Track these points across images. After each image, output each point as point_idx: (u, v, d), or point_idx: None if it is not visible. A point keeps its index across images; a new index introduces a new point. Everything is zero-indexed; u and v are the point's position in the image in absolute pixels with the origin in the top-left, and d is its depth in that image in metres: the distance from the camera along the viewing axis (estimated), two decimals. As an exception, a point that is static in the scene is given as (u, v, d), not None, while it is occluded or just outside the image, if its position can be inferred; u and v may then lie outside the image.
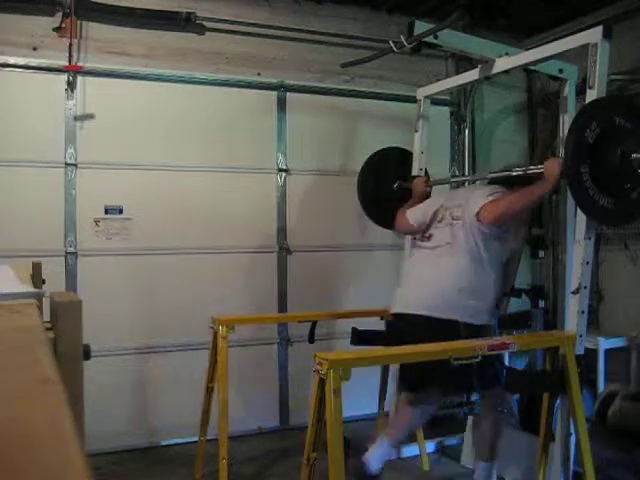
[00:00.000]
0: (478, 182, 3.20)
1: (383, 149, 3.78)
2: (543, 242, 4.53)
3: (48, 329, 0.96)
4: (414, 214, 3.09)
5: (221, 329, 2.87)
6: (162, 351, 3.71)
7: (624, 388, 3.75)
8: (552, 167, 2.48)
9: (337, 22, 4.16)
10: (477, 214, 2.65)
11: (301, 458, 2.15)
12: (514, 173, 2.80)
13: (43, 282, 1.72)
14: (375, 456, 2.61)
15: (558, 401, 2.49)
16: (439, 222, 2.86)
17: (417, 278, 2.81)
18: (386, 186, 3.63)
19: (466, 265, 2.66)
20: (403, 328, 2.79)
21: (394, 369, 3.43)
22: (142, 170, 3.69)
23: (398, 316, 2.83)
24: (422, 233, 2.94)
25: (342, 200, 4.06)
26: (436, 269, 2.74)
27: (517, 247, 3.04)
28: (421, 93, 3.57)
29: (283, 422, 4.01)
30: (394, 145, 3.81)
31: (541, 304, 4.32)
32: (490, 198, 2.66)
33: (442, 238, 2.78)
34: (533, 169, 2.73)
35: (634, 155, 2.30)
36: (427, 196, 3.32)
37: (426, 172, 3.53)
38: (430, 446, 3.42)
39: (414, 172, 3.50)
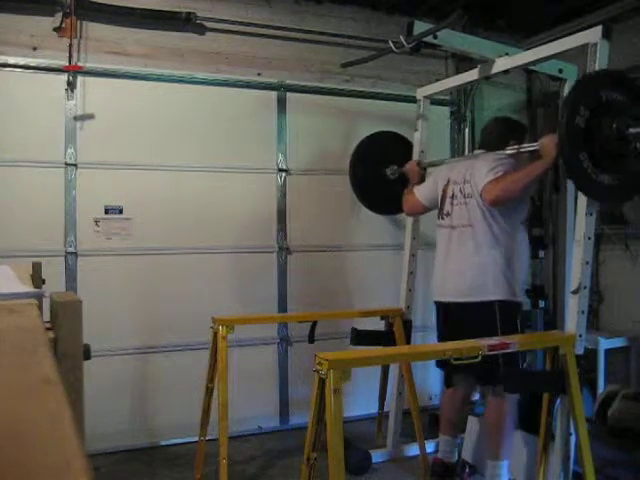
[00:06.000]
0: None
1: (371, 135, 3.74)
2: (543, 242, 4.53)
3: (48, 329, 0.96)
4: (422, 192, 3.14)
5: (221, 329, 2.87)
6: (162, 351, 3.71)
7: (624, 388, 3.75)
8: (548, 144, 2.47)
9: (337, 22, 4.16)
10: (480, 194, 2.70)
11: (301, 458, 2.15)
12: (508, 152, 2.78)
13: (43, 282, 1.72)
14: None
15: (558, 401, 2.49)
16: (452, 198, 2.90)
17: (448, 264, 2.88)
18: (379, 172, 3.60)
19: (491, 245, 2.72)
20: (446, 317, 2.92)
21: (394, 369, 3.43)
22: (142, 170, 3.69)
23: (440, 304, 2.94)
24: (439, 211, 2.98)
25: (342, 200, 4.06)
26: (463, 253, 2.80)
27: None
28: (421, 93, 3.57)
29: (283, 422, 4.01)
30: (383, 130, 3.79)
31: (541, 304, 4.32)
32: (491, 175, 2.65)
33: (461, 218, 2.83)
34: (527, 146, 2.71)
35: (631, 130, 2.26)
36: (423, 178, 3.32)
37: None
38: (430, 446, 3.42)
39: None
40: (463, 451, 3.28)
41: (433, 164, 3.29)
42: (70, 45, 3.45)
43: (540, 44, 2.95)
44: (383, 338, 3.27)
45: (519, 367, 2.74)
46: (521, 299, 2.82)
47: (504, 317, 2.67)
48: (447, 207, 2.92)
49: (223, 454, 2.85)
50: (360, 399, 3.84)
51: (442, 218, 2.95)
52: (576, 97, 2.31)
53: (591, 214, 2.44)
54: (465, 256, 2.78)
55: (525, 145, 2.75)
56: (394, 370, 3.43)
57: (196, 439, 3.09)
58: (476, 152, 3.01)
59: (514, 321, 2.71)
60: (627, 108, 2.34)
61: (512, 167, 2.70)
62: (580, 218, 2.46)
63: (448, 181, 2.94)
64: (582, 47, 2.52)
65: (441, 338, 2.96)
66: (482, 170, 2.71)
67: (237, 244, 3.89)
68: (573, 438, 2.46)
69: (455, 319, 2.82)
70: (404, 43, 2.79)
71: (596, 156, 2.28)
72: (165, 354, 3.72)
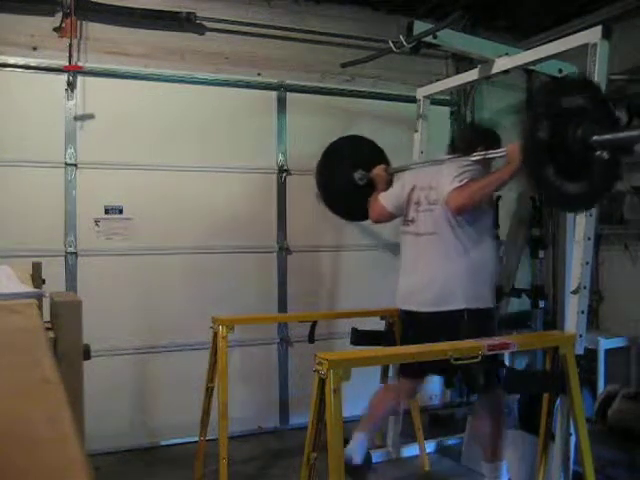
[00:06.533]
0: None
1: (340, 139, 3.56)
2: (543, 242, 4.53)
3: (48, 329, 0.96)
4: (388, 198, 3.07)
5: (221, 329, 2.87)
6: (162, 351, 3.71)
7: (624, 388, 3.75)
8: (514, 150, 2.41)
9: (337, 22, 4.16)
10: (445, 201, 2.64)
11: (301, 458, 2.15)
12: (473, 158, 2.74)
13: (43, 282, 1.72)
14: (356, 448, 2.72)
15: (558, 401, 2.49)
16: (417, 204, 2.84)
17: (414, 272, 2.82)
18: (347, 177, 3.45)
19: (457, 252, 2.67)
20: (413, 325, 2.85)
21: (394, 369, 3.43)
22: (142, 170, 3.69)
23: (407, 313, 2.88)
24: (404, 217, 2.94)
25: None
26: (430, 262, 2.74)
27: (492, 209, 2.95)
28: (421, 93, 3.57)
29: (283, 422, 4.01)
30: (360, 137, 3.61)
31: (541, 304, 4.32)
32: (456, 182, 2.60)
33: (426, 226, 2.77)
34: (494, 152, 2.68)
35: (595, 137, 2.22)
36: (390, 183, 3.27)
37: (387, 160, 3.45)
38: (430, 446, 3.42)
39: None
40: (463, 452, 3.28)
41: (401, 170, 3.23)
42: (70, 45, 3.45)
43: (540, 44, 2.95)
44: (383, 338, 3.27)
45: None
46: (492, 305, 2.75)
47: (474, 325, 2.60)
48: (412, 214, 2.86)
49: (223, 454, 2.86)
50: (360, 399, 3.83)
51: (407, 225, 2.90)
52: (536, 109, 2.25)
53: (590, 215, 2.44)
54: (432, 264, 2.72)
55: (492, 151, 2.70)
56: (394, 370, 3.43)
57: (196, 439, 3.09)
58: (443, 157, 2.95)
59: (484, 329, 2.63)
60: (590, 113, 2.29)
61: (479, 174, 2.64)
62: (580, 218, 2.46)
63: (414, 187, 2.88)
64: (582, 47, 2.52)
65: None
66: (448, 177, 2.65)
67: (237, 244, 3.89)
68: (573, 438, 2.46)
69: (423, 328, 2.74)
70: (404, 43, 2.78)
71: (562, 167, 2.21)
72: (165, 354, 3.72)
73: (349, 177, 3.44)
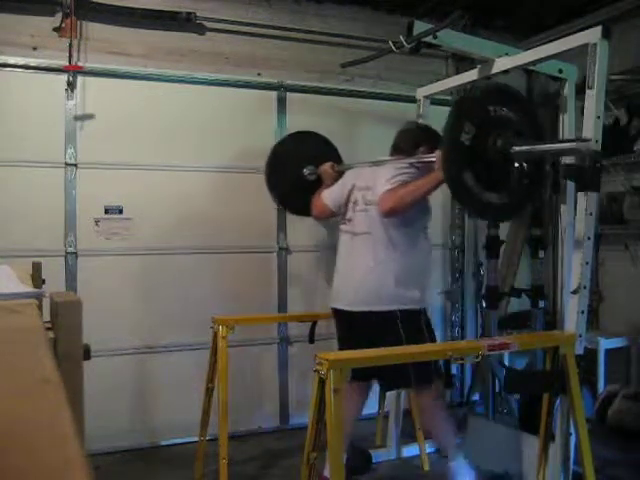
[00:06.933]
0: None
1: (291, 134, 3.56)
2: (543, 242, 4.52)
3: (48, 329, 0.96)
4: (330, 195, 3.07)
5: (221, 329, 2.87)
6: (162, 351, 3.71)
7: (624, 388, 3.75)
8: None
9: (337, 22, 4.16)
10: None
11: (301, 458, 2.15)
12: (410, 161, 2.74)
13: (43, 282, 1.72)
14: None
15: (558, 401, 2.49)
16: (355, 204, 2.85)
17: (347, 271, 2.82)
18: (297, 172, 3.42)
19: (390, 253, 2.67)
20: (345, 325, 2.84)
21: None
22: (142, 170, 3.69)
23: (338, 311, 2.85)
24: (342, 216, 2.94)
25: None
26: (362, 261, 2.74)
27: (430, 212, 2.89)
28: (421, 93, 3.58)
29: (283, 422, 4.01)
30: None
31: (541, 304, 4.32)
32: (388, 185, 2.60)
33: (361, 225, 2.78)
34: (427, 157, 2.67)
35: (515, 148, 2.22)
36: (338, 179, 3.21)
37: (339, 156, 3.45)
38: (430, 446, 3.42)
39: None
40: (462, 452, 3.27)
41: (348, 168, 3.23)
42: (70, 45, 3.45)
43: (540, 44, 2.94)
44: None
45: (430, 366, 2.65)
46: (424, 306, 2.76)
47: (407, 325, 2.62)
48: (350, 213, 2.88)
49: (223, 454, 2.86)
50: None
51: (345, 223, 2.91)
52: (461, 113, 2.22)
53: (591, 214, 2.44)
54: (365, 264, 2.72)
55: (424, 156, 2.71)
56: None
57: (196, 439, 3.09)
58: (383, 158, 2.95)
59: (418, 329, 2.65)
60: (515, 124, 2.27)
61: (414, 177, 2.63)
62: (580, 218, 2.46)
63: (353, 186, 2.90)
64: (582, 47, 2.53)
65: (342, 345, 2.87)
66: (383, 178, 2.66)
67: (237, 244, 3.89)
68: (573, 438, 2.46)
69: (357, 327, 2.74)
70: (404, 43, 2.78)
71: (481, 175, 2.20)
72: (165, 354, 3.72)
73: (298, 172, 3.42)
